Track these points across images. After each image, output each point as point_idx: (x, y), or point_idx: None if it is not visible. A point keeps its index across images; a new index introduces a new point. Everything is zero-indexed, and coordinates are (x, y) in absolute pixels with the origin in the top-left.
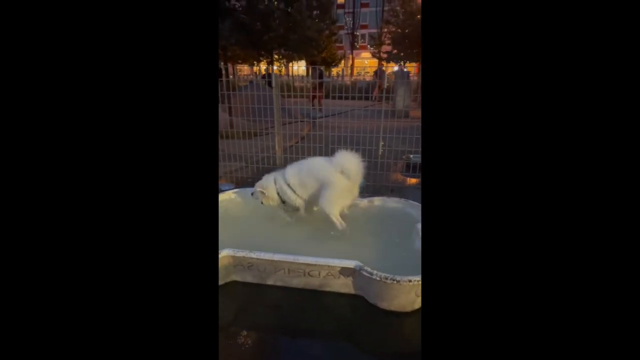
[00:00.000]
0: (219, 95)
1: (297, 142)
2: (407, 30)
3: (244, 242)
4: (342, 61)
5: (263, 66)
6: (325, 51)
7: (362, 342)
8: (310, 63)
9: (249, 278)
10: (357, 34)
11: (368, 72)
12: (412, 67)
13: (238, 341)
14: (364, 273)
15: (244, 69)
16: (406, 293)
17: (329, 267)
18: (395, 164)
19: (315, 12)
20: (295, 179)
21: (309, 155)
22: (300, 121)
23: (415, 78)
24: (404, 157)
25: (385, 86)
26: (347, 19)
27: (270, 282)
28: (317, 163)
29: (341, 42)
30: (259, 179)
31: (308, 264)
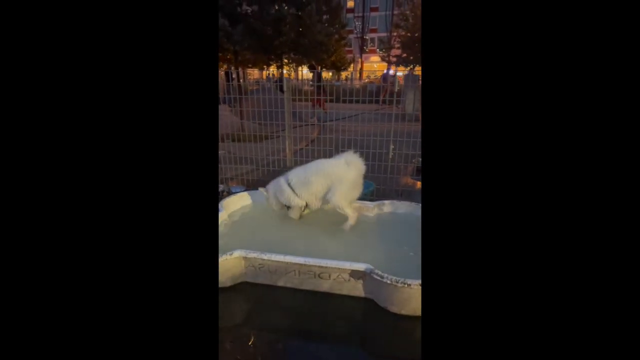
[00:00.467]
0: (231, 98)
1: (307, 145)
2: (416, 34)
3: (254, 244)
4: (352, 65)
5: (273, 70)
6: (335, 55)
7: (372, 346)
8: (309, 67)
9: (260, 279)
10: (367, 37)
11: (377, 76)
12: (419, 71)
13: (248, 342)
14: (375, 276)
15: (254, 73)
16: (417, 297)
17: (339, 269)
18: (405, 167)
19: (325, 17)
20: (297, 178)
21: (320, 158)
22: (310, 124)
23: None
24: (413, 160)
25: (397, 89)
26: (357, 23)
27: (280, 283)
28: (323, 162)
29: (350, 46)
30: (269, 181)
31: (319, 266)
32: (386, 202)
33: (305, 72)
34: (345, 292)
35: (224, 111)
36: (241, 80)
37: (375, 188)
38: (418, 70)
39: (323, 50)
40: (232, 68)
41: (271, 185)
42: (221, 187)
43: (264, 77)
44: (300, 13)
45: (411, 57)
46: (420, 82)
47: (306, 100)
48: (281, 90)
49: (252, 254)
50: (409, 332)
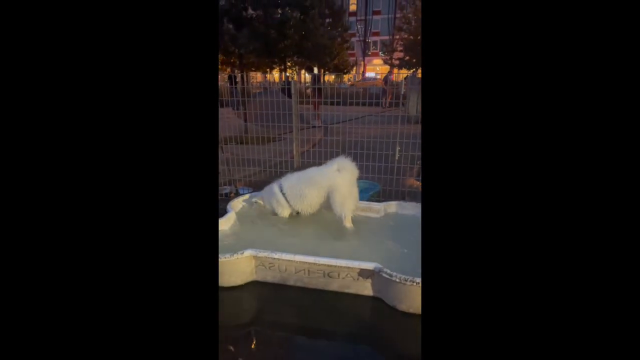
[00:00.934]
0: (235, 102)
1: (314, 146)
2: (419, 37)
3: (261, 244)
4: (354, 68)
5: (276, 73)
6: (338, 58)
7: (380, 344)
8: (307, 69)
9: (270, 278)
10: (369, 41)
11: (379, 78)
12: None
13: (258, 340)
14: (384, 275)
15: (257, 77)
16: None
17: (348, 268)
18: (410, 169)
19: (327, 20)
20: (291, 191)
21: (326, 159)
22: (314, 127)
23: None
24: (418, 162)
25: (402, 92)
26: (359, 26)
27: (290, 282)
28: (316, 172)
29: (353, 49)
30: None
31: (328, 265)
32: (393, 203)
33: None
34: (353, 290)
35: (228, 114)
36: (244, 84)
37: (381, 189)
38: (420, 73)
39: (326, 53)
40: (236, 71)
41: (265, 193)
42: (228, 188)
43: (276, 79)
44: (303, 17)
45: (414, 60)
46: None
47: (307, 103)
48: (283, 92)
49: (263, 253)
50: (418, 329)
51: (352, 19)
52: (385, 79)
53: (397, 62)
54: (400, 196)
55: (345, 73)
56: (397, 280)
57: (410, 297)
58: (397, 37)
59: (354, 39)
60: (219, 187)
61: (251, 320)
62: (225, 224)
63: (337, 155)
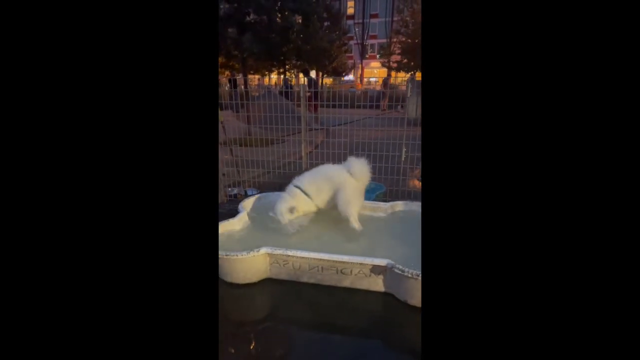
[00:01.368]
0: (236, 104)
1: (316, 148)
2: (417, 40)
3: (271, 242)
4: (352, 70)
5: (274, 76)
6: (336, 61)
7: (392, 339)
8: (304, 72)
9: (284, 275)
10: (367, 44)
11: (377, 81)
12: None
13: (272, 335)
14: (396, 270)
15: (255, 79)
16: None
17: (360, 265)
18: (412, 170)
19: (326, 24)
20: (309, 185)
21: (329, 161)
22: (315, 129)
23: None
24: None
25: (408, 95)
26: (356, 29)
27: (304, 279)
28: (329, 168)
29: (351, 52)
30: (281, 183)
31: (342, 262)
32: (399, 202)
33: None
34: (365, 287)
35: (227, 117)
36: (242, 86)
37: (387, 190)
38: (419, 75)
39: (325, 56)
40: (236, 74)
41: (278, 204)
42: (236, 190)
43: (273, 82)
44: (304, 21)
45: (412, 63)
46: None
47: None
48: (286, 96)
49: (278, 251)
50: None
51: (350, 22)
52: (384, 82)
53: (394, 64)
54: (407, 196)
55: (343, 76)
56: (409, 275)
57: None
58: (395, 40)
59: (351, 42)
60: (228, 189)
61: (266, 316)
62: (237, 224)
63: (341, 156)
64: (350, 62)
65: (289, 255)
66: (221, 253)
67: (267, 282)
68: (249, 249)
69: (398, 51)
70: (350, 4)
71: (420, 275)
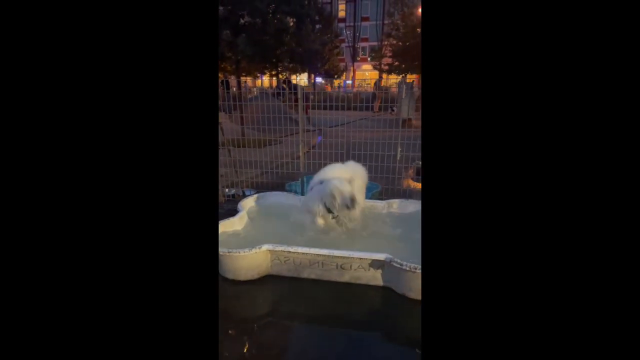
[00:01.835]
0: (229, 106)
1: (313, 148)
2: (407, 43)
3: (272, 239)
4: (344, 73)
5: (266, 78)
6: (328, 63)
7: (391, 331)
8: (285, 83)
9: (285, 272)
10: (358, 46)
11: (369, 84)
12: (412, 78)
13: (273, 330)
14: (395, 264)
15: (247, 81)
16: None
17: (360, 259)
18: (405, 169)
19: (318, 26)
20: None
21: (327, 161)
22: (309, 130)
23: (417, 89)
24: (414, 163)
25: (403, 96)
26: (348, 32)
27: (304, 275)
28: (343, 165)
29: (342, 54)
30: (278, 184)
31: (342, 257)
32: (396, 200)
33: (297, 79)
34: (364, 281)
35: (220, 118)
36: (234, 88)
37: (382, 188)
38: (410, 77)
39: (318, 59)
40: (228, 76)
41: (310, 200)
42: (233, 190)
43: (265, 84)
44: (298, 23)
45: (402, 65)
46: (413, 89)
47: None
48: (273, 95)
49: (279, 248)
50: None
51: (342, 25)
52: (376, 84)
53: (386, 67)
54: (402, 194)
55: (335, 78)
56: (407, 268)
57: (419, 285)
58: (386, 42)
59: (343, 45)
60: (225, 189)
61: (268, 311)
62: (238, 223)
63: (337, 156)
64: (342, 64)
65: (290, 252)
66: (223, 250)
67: (269, 279)
68: (250, 246)
69: (389, 54)
70: (342, 7)
71: (418, 268)
